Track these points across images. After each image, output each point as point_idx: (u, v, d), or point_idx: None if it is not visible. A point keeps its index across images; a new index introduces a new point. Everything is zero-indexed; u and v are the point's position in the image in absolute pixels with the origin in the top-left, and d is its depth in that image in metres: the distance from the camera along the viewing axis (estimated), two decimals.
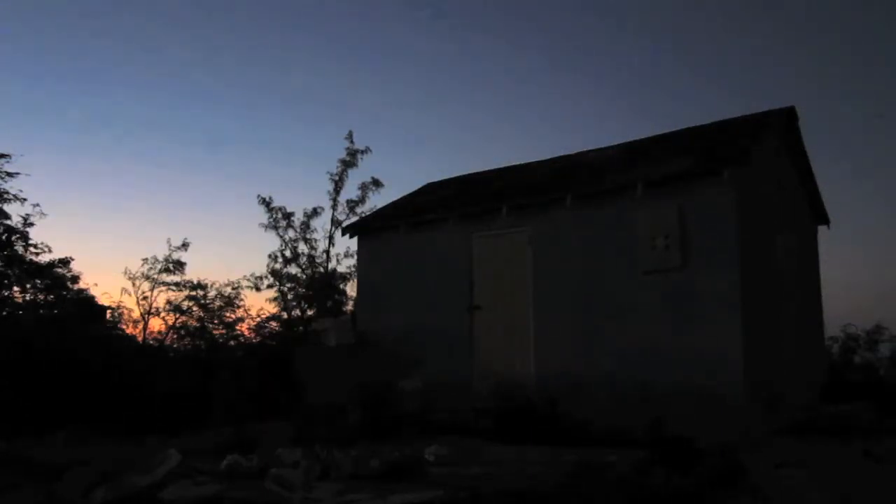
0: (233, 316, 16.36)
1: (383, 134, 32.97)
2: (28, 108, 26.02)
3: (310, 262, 16.85)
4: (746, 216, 8.24)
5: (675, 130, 10.87)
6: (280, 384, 10.91)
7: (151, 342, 15.71)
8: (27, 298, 13.62)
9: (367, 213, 15.32)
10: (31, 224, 13.18)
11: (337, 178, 16.54)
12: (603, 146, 11.42)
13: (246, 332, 16.40)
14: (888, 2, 23.53)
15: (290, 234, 16.72)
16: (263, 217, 16.59)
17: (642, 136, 11.17)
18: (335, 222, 16.62)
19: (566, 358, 8.79)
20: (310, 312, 16.51)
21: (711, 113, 39.12)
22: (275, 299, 16.90)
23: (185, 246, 15.99)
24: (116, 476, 4.63)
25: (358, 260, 11.94)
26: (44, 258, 13.48)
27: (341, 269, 16.91)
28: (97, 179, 28.51)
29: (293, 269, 16.89)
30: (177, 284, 16.04)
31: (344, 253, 16.90)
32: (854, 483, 5.35)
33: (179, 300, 16.03)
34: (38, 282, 13.65)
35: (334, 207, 16.60)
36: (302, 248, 16.81)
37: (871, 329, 14.32)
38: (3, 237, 13.05)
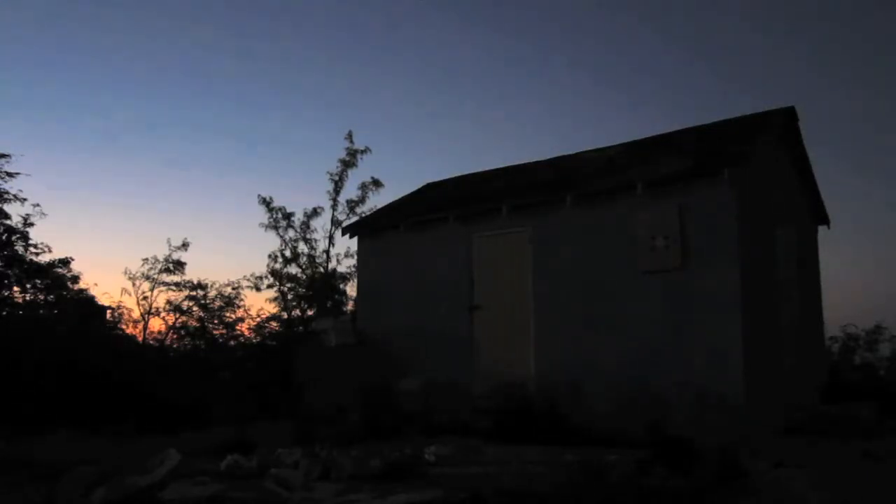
0: (233, 316, 16.34)
1: (383, 134, 32.95)
2: (28, 107, 26.01)
3: (310, 262, 16.85)
4: (746, 216, 8.24)
5: (676, 130, 10.88)
6: (280, 384, 10.90)
7: (151, 342, 15.68)
8: (27, 298, 13.60)
9: (367, 213, 15.32)
10: (31, 224, 13.16)
11: (337, 178, 16.54)
12: (603, 146, 11.42)
13: (246, 332, 16.39)
14: (888, 1, 23.52)
15: (290, 234, 16.72)
16: (263, 217, 16.59)
17: (642, 136, 11.19)
18: (335, 222, 16.62)
19: (566, 358, 8.79)
20: (310, 312, 16.50)
21: (712, 113, 39.20)
22: (275, 299, 16.90)
23: (185, 246, 15.98)
24: (116, 476, 4.63)
25: (358, 260, 11.94)
26: (44, 258, 13.46)
27: (341, 269, 16.92)
28: (97, 179, 28.50)
29: (293, 269, 16.89)
30: (177, 284, 16.02)
31: (344, 253, 16.91)
32: (854, 483, 5.36)
33: (179, 300, 16.02)
34: (38, 282, 13.62)
35: (334, 207, 16.61)
36: (302, 248, 16.82)
37: (871, 329, 14.33)
38: (3, 237, 13.03)
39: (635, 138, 11.24)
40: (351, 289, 16.57)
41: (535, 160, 12.18)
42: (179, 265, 15.93)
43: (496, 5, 29.01)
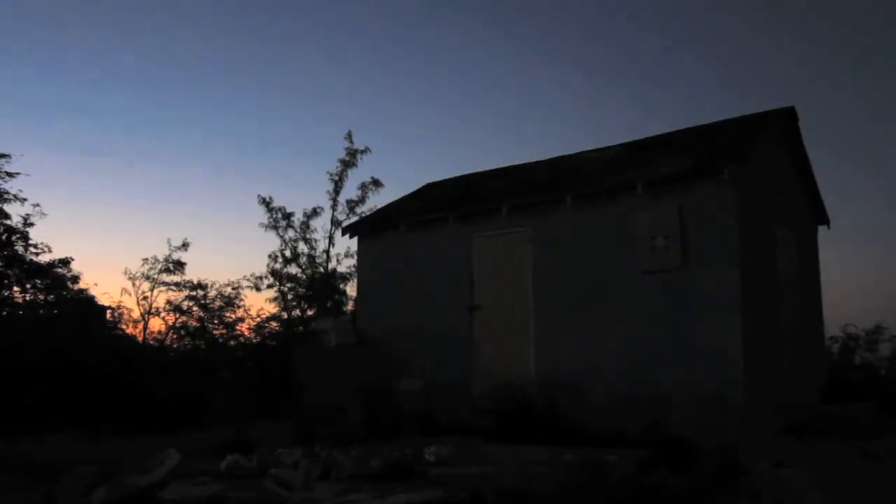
0: (233, 316, 16.35)
1: (383, 134, 32.96)
2: (28, 107, 26.01)
3: (310, 262, 16.86)
4: (746, 216, 8.24)
5: (676, 130, 10.87)
6: (280, 384, 10.91)
7: (151, 342, 15.69)
8: (27, 298, 13.60)
9: (367, 213, 15.33)
10: (31, 224, 13.17)
11: (337, 177, 16.56)
12: (603, 146, 11.42)
13: (246, 332, 16.39)
14: (888, 1, 23.53)
15: (290, 234, 16.74)
16: (263, 217, 16.61)
17: (642, 136, 11.18)
18: (335, 222, 16.64)
19: (566, 358, 8.79)
20: (310, 312, 16.50)
21: (712, 113, 39.20)
22: (275, 299, 16.92)
23: (185, 246, 16.00)
24: (116, 476, 4.63)
25: (358, 260, 11.94)
26: (44, 258, 13.47)
27: (341, 269, 16.94)
28: (97, 179, 28.51)
29: (293, 269, 16.92)
30: (177, 284, 16.04)
31: (344, 253, 16.94)
32: (854, 483, 5.36)
33: (179, 300, 16.03)
34: (38, 282, 13.62)
35: (334, 207, 16.62)
36: (302, 248, 16.84)
37: (871, 329, 14.32)
38: (3, 237, 13.03)
39: (635, 138, 11.24)
40: (351, 289, 16.61)
41: (535, 160, 12.18)
42: (179, 265, 15.96)
43: (496, 5, 29.03)
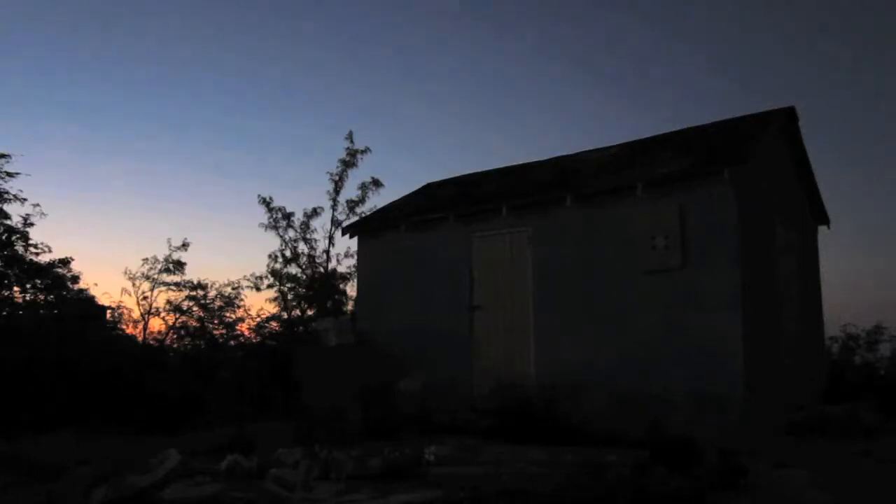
0: (233, 316, 16.32)
1: (383, 134, 32.94)
2: (28, 107, 26.00)
3: (310, 262, 16.85)
4: (746, 216, 8.24)
5: (676, 130, 10.88)
6: (280, 384, 10.90)
7: (151, 342, 15.67)
8: (27, 298, 13.57)
9: (367, 213, 15.32)
10: (31, 224, 13.15)
11: (337, 178, 16.52)
12: (603, 146, 11.43)
13: (246, 332, 16.37)
14: (889, 1, 23.51)
15: (290, 234, 16.73)
16: (263, 217, 16.59)
17: (642, 136, 11.19)
18: (335, 222, 16.61)
19: (566, 358, 8.79)
20: (310, 312, 16.50)
21: (712, 112, 39.14)
22: (275, 299, 16.91)
23: (185, 246, 15.97)
24: (116, 476, 4.64)
25: (358, 260, 11.95)
26: (44, 258, 13.44)
27: (341, 269, 16.91)
28: (97, 179, 28.47)
29: (293, 269, 16.90)
30: (177, 284, 15.99)
31: (344, 253, 16.90)
32: (854, 483, 5.36)
33: (179, 300, 16.01)
34: (38, 282, 13.60)
35: (334, 207, 16.59)
36: (302, 248, 16.82)
37: (871, 329, 14.30)
38: (3, 237, 13.02)
39: (635, 138, 11.25)
40: (351, 289, 16.59)
41: (535, 160, 12.19)
42: (179, 265, 15.91)
43: (496, 5, 29.03)
